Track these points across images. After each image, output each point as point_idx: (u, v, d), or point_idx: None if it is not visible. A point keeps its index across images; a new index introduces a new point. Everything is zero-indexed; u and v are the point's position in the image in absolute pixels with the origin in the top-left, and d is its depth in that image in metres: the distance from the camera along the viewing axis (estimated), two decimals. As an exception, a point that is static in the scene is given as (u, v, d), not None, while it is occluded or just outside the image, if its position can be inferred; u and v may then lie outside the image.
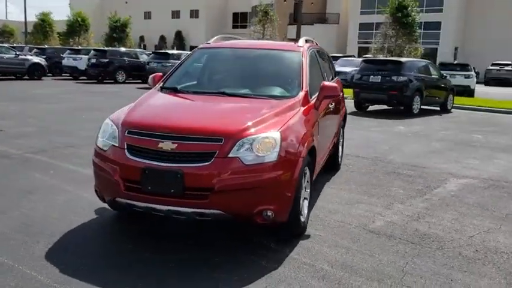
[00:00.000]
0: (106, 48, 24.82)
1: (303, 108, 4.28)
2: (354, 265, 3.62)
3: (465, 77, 21.25)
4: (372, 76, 14.04)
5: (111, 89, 19.39)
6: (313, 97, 4.64)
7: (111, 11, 37.99)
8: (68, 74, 25.10)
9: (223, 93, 4.49)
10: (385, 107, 15.23)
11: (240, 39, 6.02)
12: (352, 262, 3.67)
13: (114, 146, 3.76)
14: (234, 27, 62.78)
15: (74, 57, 24.06)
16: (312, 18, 46.78)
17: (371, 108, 15.37)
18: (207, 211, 3.52)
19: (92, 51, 23.53)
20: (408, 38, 19.89)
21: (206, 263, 3.56)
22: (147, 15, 66.50)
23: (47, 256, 3.57)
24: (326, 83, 4.75)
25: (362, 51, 42.54)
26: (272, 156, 3.56)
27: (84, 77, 23.99)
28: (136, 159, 3.60)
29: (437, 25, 41.03)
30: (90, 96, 16.17)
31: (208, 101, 4.39)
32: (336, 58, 30.78)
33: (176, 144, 3.53)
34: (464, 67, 22.22)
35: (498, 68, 33.06)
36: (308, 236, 4.12)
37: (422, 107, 14.43)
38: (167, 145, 3.54)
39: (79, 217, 4.42)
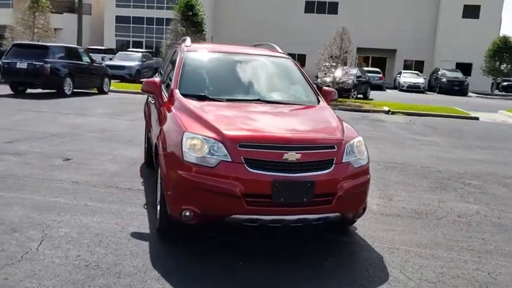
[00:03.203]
0: None
1: None
2: (419, 242, 4.37)
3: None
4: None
5: None
6: None
7: None
8: None
9: (259, 100, 4.56)
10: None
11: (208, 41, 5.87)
12: (413, 240, 4.41)
13: (226, 161, 3.51)
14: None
15: None
16: (60, 7, 43.31)
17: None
18: (331, 215, 3.72)
19: None
20: (198, 36, 20.96)
21: (314, 268, 3.74)
22: None
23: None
24: (326, 87, 5.27)
25: (122, 44, 41.91)
26: (366, 158, 4.00)
27: None
28: (262, 172, 3.49)
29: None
30: None
31: (270, 109, 4.38)
32: (99, 50, 29.79)
33: (300, 155, 3.58)
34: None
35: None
36: (355, 227, 4.64)
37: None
38: (292, 156, 3.56)
39: (126, 248, 3.83)
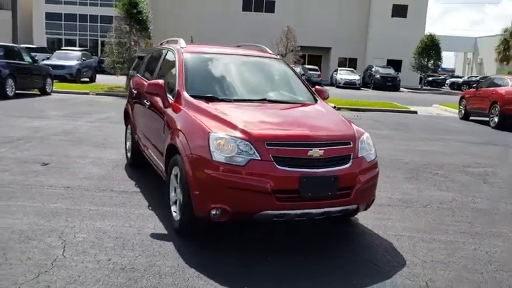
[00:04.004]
0: None
1: None
2: (417, 228, 4.75)
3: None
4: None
5: None
6: None
7: None
8: None
9: (264, 100, 4.73)
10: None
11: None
12: (412, 227, 4.78)
13: (255, 159, 3.65)
14: None
15: None
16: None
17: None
18: (350, 207, 3.98)
19: None
20: (143, 34, 20.54)
21: (336, 259, 4.02)
22: None
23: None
24: (318, 87, 5.51)
25: (53, 42, 40.03)
26: (374, 153, 4.30)
27: None
28: (290, 169, 3.67)
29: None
30: None
31: (279, 108, 4.55)
32: (30, 49, 28.16)
33: (323, 151, 3.80)
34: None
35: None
36: (357, 218, 4.93)
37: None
38: (316, 152, 3.77)
39: (152, 249, 3.88)
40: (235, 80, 5.07)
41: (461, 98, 17.70)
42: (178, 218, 4.12)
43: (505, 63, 46.74)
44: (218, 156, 3.68)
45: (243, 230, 4.42)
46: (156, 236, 4.14)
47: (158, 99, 4.86)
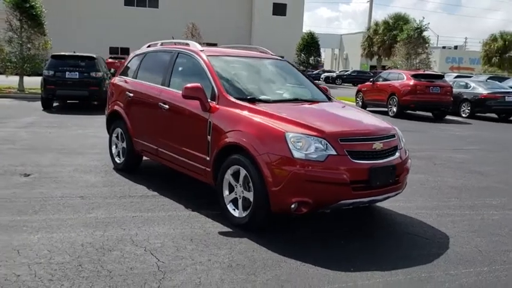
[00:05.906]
0: None
1: None
2: (425, 206, 5.50)
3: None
4: (68, 72, 13.53)
5: None
6: None
7: None
8: None
9: (297, 100, 5.09)
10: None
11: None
12: (420, 206, 5.52)
13: (333, 154, 4.02)
14: None
15: None
16: None
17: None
18: (399, 191, 4.56)
19: None
20: (36, 30, 18.88)
21: (395, 238, 4.61)
22: None
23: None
24: (321, 85, 5.99)
25: None
26: (403, 145, 4.91)
27: None
28: (361, 161, 4.11)
29: None
30: None
31: (317, 106, 4.96)
32: None
33: (382, 144, 4.32)
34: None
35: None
36: (373, 201, 5.53)
37: None
38: (378, 145, 4.27)
39: (237, 247, 4.05)
40: (263, 81, 5.33)
41: (358, 91, 19.52)
42: (245, 214, 4.31)
43: (368, 58, 51.84)
44: (298, 154, 3.97)
45: (289, 223, 4.71)
46: (225, 234, 4.28)
47: (192, 102, 4.88)
